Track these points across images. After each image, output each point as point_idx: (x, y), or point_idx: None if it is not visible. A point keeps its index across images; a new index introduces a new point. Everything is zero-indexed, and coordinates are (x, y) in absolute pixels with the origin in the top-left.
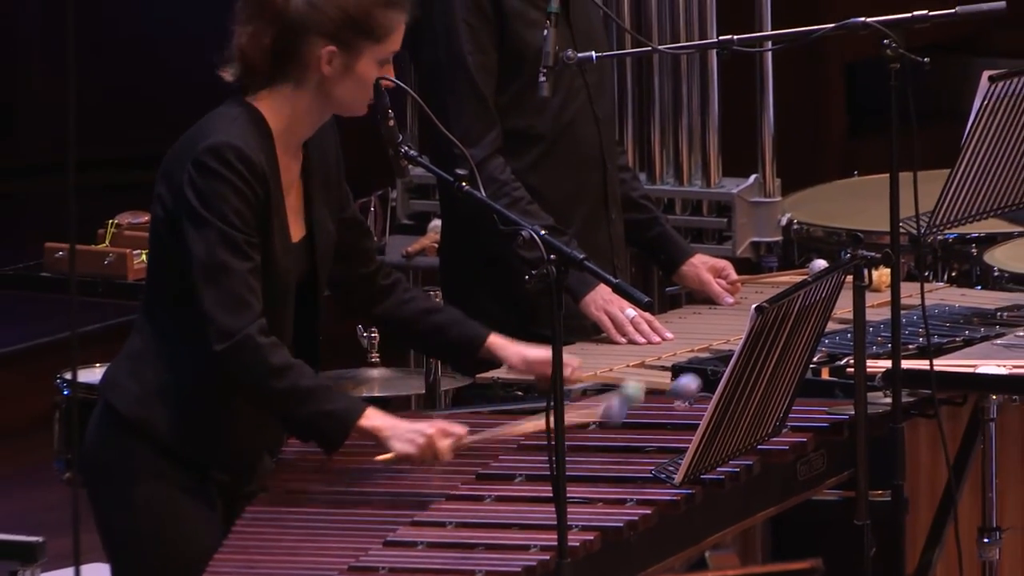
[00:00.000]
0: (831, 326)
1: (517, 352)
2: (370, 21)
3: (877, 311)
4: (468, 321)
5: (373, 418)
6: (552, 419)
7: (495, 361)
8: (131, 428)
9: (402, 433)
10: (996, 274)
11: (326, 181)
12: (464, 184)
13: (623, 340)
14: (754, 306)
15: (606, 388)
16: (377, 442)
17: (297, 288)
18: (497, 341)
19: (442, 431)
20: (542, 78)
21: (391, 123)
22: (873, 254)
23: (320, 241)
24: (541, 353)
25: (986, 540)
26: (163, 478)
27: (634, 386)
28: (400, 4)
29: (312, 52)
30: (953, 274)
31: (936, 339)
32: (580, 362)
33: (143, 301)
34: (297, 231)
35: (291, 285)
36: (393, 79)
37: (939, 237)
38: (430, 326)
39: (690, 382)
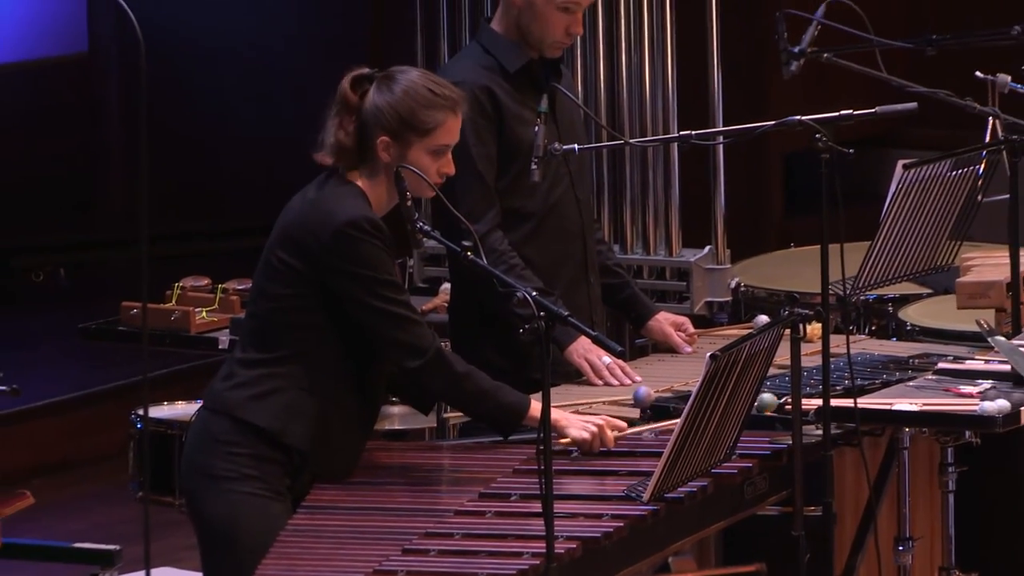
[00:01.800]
0: (772, 370)
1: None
2: (414, 118)
3: (810, 358)
4: None
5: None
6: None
7: None
8: (263, 438)
9: (576, 422)
10: (909, 328)
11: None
12: (469, 254)
13: (600, 382)
14: (708, 354)
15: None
16: (555, 430)
17: None
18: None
19: (609, 423)
20: (533, 166)
21: (409, 203)
22: (807, 311)
23: None
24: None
25: (901, 548)
26: (260, 481)
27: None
28: (441, 105)
29: (376, 142)
30: (873, 328)
31: (859, 381)
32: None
33: (253, 340)
34: None
35: None
36: (445, 174)
37: (861, 297)
38: None
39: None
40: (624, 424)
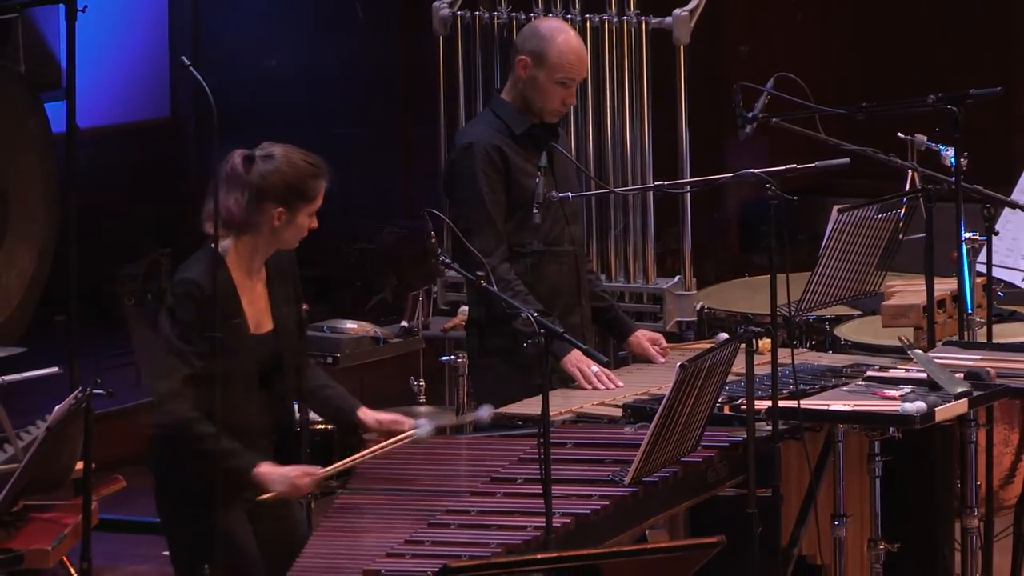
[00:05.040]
0: (730, 377)
1: (372, 415)
2: (305, 188)
3: (761, 367)
4: (348, 399)
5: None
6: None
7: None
8: None
9: (278, 477)
10: (843, 343)
11: (283, 284)
12: (483, 282)
13: (589, 387)
14: (678, 364)
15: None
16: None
17: (271, 373)
18: (362, 412)
19: (306, 471)
20: (535, 210)
21: (433, 241)
22: (759, 329)
23: (283, 329)
24: (387, 416)
25: (836, 523)
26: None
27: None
28: (323, 175)
29: (267, 212)
30: (813, 343)
31: (802, 386)
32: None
33: None
34: (265, 324)
35: (253, 366)
36: (312, 228)
37: (803, 318)
38: (323, 397)
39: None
40: (320, 469)
